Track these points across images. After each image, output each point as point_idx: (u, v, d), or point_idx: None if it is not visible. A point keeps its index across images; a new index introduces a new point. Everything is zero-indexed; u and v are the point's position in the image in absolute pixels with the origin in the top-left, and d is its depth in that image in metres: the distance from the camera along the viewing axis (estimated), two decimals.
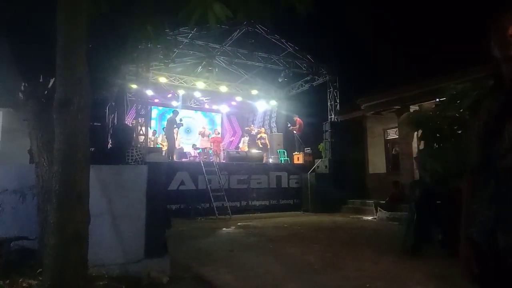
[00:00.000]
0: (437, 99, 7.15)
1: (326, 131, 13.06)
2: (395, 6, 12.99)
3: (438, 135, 5.16)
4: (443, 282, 3.93)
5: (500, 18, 1.42)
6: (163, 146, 13.83)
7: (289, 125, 14.80)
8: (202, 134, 14.72)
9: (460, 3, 11.29)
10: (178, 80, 15.43)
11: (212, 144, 14.44)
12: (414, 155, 10.27)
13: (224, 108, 18.70)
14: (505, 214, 1.29)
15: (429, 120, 5.28)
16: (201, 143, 14.73)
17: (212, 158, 13.23)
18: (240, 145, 16.11)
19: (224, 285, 3.94)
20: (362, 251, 5.59)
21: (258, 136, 15.39)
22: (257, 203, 11.76)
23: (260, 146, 14.82)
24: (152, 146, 13.75)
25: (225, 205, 10.55)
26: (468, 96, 4.64)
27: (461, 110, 4.86)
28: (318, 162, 12.81)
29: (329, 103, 14.07)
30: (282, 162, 14.42)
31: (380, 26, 13.92)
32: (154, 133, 14.64)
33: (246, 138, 16.07)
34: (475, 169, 1.46)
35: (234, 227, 8.46)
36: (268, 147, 15.24)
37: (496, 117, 1.37)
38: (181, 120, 13.86)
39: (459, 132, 4.88)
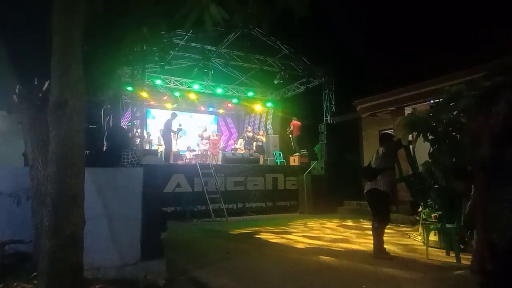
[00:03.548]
0: (432, 101, 7.19)
1: (322, 132, 13.11)
2: (390, 8, 13.05)
3: (432, 137, 5.18)
4: (440, 283, 3.95)
5: None
6: (158, 148, 13.80)
7: (287, 130, 14.83)
8: (202, 137, 14.70)
9: (454, 5, 11.37)
10: (173, 82, 15.42)
11: (210, 145, 14.47)
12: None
13: (220, 110, 18.70)
14: None
15: (424, 122, 5.30)
16: (200, 145, 14.72)
17: (208, 160, 13.21)
18: (237, 146, 16.12)
19: (221, 287, 3.93)
20: (358, 252, 5.60)
21: (256, 137, 15.40)
22: (253, 205, 11.75)
23: (254, 149, 14.83)
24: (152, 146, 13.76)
25: (221, 207, 10.52)
26: (463, 98, 4.66)
27: (455, 112, 4.88)
28: (314, 163, 12.84)
29: (324, 105, 14.12)
30: (279, 164, 14.44)
31: (376, 28, 13.99)
32: (161, 132, 14.47)
33: (243, 141, 16.09)
34: (487, 166, 1.38)
35: (230, 229, 8.44)
36: (264, 150, 15.24)
37: None
38: (180, 125, 13.85)
39: (454, 134, 4.90)
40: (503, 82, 1.47)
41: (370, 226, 5.32)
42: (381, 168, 5.20)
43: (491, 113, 1.38)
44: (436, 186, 5.33)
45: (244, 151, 14.82)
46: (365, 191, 5.43)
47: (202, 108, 18.16)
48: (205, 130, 15.13)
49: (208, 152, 14.32)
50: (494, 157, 1.35)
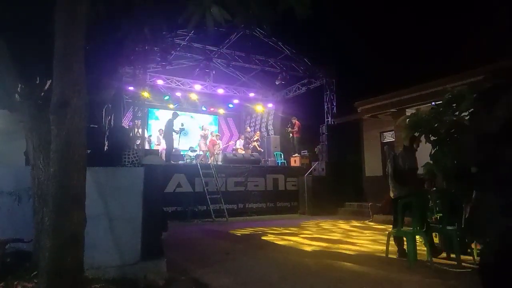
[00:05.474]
0: (433, 102, 7.18)
1: (323, 133, 13.11)
2: (391, 10, 13.07)
3: (434, 138, 5.17)
4: (441, 285, 3.94)
5: None
6: (157, 147, 13.83)
7: (288, 126, 14.81)
8: (204, 137, 14.72)
9: (456, 7, 11.37)
10: (175, 83, 15.45)
11: (209, 145, 14.51)
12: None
13: (221, 111, 18.70)
14: None
15: (426, 123, 5.29)
16: (201, 145, 14.74)
17: (209, 161, 13.22)
18: (237, 146, 16.12)
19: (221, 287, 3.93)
20: (359, 254, 5.60)
21: (255, 138, 15.42)
22: (254, 205, 11.75)
23: (251, 149, 14.87)
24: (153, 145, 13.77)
25: (222, 207, 10.53)
26: (466, 99, 4.66)
27: (456, 113, 4.88)
28: (315, 164, 12.84)
29: (325, 106, 14.13)
30: (279, 164, 14.43)
31: (377, 30, 14.00)
32: (161, 132, 14.52)
33: (242, 141, 16.11)
34: (484, 166, 1.37)
35: (230, 229, 8.44)
36: (259, 150, 15.28)
37: None
38: (182, 125, 13.84)
39: (456, 135, 4.89)
40: (504, 84, 1.45)
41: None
42: (414, 167, 5.11)
43: (491, 113, 1.37)
44: (435, 188, 5.33)
45: (244, 151, 14.84)
46: (396, 196, 5.21)
47: (203, 108, 18.16)
48: (204, 130, 15.14)
49: (208, 152, 14.33)
50: (490, 157, 1.33)
